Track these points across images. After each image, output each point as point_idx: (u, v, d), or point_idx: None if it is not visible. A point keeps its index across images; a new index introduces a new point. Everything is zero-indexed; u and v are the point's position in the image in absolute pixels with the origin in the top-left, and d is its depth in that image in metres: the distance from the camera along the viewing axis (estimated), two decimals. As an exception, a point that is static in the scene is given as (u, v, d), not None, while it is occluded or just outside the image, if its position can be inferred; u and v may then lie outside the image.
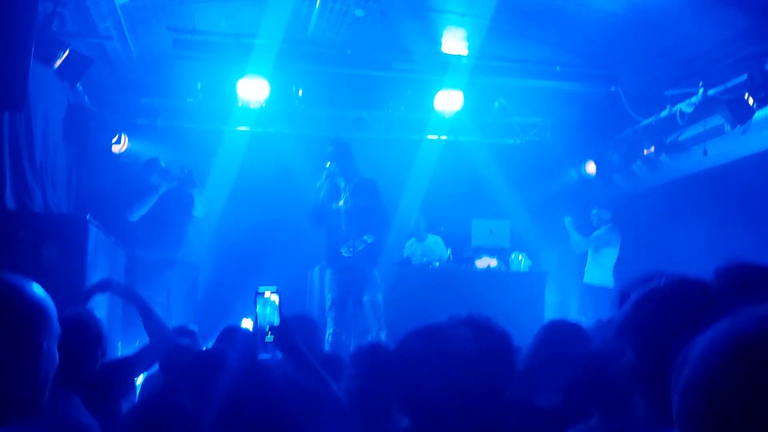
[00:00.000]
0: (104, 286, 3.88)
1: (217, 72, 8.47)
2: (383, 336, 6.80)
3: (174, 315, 7.04)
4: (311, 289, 8.35)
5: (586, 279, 8.76)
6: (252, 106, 8.61)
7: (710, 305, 1.54)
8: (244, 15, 7.94)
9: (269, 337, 2.37)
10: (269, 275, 7.99)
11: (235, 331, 3.74)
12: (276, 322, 2.36)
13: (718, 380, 0.90)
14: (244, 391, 2.43)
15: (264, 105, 8.60)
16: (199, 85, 8.68)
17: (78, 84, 7.17)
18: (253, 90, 8.29)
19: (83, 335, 2.96)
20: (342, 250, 6.88)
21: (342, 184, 7.05)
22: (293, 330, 2.43)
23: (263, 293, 2.38)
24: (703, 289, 1.59)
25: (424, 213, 8.88)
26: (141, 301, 3.53)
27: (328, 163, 7.04)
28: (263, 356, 2.39)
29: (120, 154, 8.52)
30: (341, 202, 7.04)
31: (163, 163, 7.81)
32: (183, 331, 4.41)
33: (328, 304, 6.93)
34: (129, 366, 3.37)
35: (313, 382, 2.33)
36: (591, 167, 9.30)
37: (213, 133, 8.98)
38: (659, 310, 1.55)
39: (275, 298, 2.38)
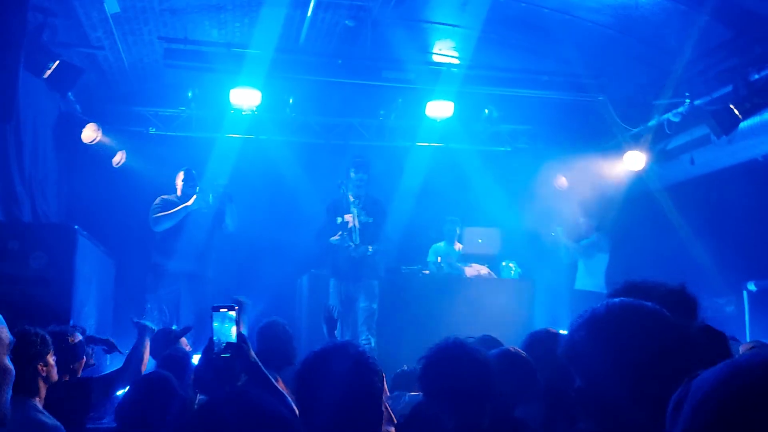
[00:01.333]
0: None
1: (209, 81, 8.52)
2: (373, 343, 6.87)
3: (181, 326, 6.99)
4: (300, 296, 8.39)
5: (579, 285, 8.79)
6: (244, 113, 8.66)
7: (654, 329, 1.55)
8: (236, 25, 7.99)
9: (225, 354, 2.38)
10: (258, 283, 8.04)
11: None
12: (232, 338, 2.38)
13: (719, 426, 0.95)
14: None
15: (256, 112, 8.65)
16: (190, 94, 8.71)
17: (69, 93, 7.21)
18: (245, 98, 8.33)
19: (22, 349, 3.06)
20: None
21: (352, 198, 7.16)
22: (249, 346, 2.45)
23: (219, 309, 2.39)
24: (646, 312, 1.60)
25: (458, 219, 8.92)
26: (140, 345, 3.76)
27: (352, 172, 7.19)
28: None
29: (118, 169, 8.54)
30: (353, 216, 7.17)
31: (194, 172, 7.76)
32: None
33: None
34: (99, 385, 3.48)
35: (267, 399, 2.35)
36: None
37: (205, 140, 9.02)
38: (599, 337, 1.57)
39: (233, 313, 2.39)
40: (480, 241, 8.66)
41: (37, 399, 3.08)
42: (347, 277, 7.15)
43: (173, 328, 5.34)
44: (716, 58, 7.15)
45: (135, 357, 3.99)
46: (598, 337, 1.56)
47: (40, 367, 3.10)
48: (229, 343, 2.36)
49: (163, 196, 7.55)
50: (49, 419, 3.00)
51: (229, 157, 8.81)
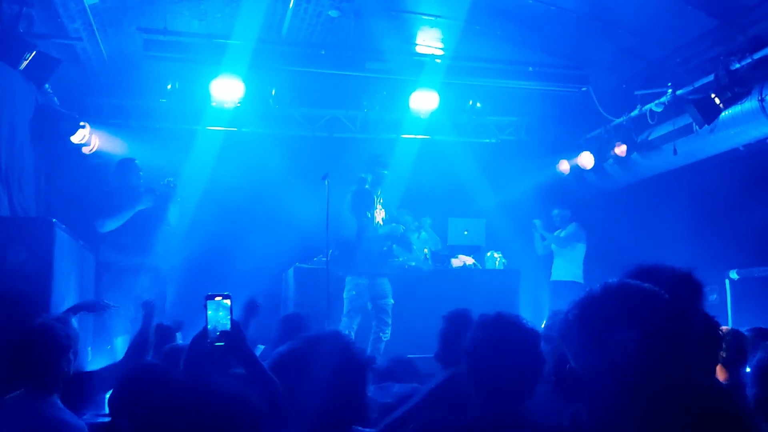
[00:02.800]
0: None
1: (189, 72, 8.42)
2: (386, 335, 6.92)
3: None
4: (286, 289, 8.35)
5: (556, 276, 8.83)
6: (226, 106, 8.58)
7: (650, 311, 1.54)
8: (217, 16, 7.91)
9: (220, 342, 2.37)
10: (243, 276, 7.98)
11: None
12: (227, 326, 2.37)
13: None
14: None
15: (238, 105, 8.58)
16: (169, 86, 8.61)
17: (46, 85, 7.09)
18: (227, 90, 8.24)
19: (51, 342, 2.98)
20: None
21: (376, 197, 7.25)
22: (244, 335, 2.44)
23: (214, 297, 2.38)
24: (639, 293, 1.58)
25: (406, 209, 8.89)
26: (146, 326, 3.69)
27: (378, 169, 7.28)
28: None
29: (90, 155, 8.43)
30: (379, 213, 7.23)
31: (137, 162, 7.65)
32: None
33: (346, 308, 7.00)
34: (91, 381, 3.40)
35: (260, 389, 2.32)
36: (564, 165, 9.36)
37: (186, 132, 8.94)
38: (594, 319, 1.55)
39: (227, 302, 2.39)
40: (466, 232, 8.64)
41: (57, 396, 2.94)
42: (370, 273, 7.09)
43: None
44: (699, 48, 7.17)
45: (141, 341, 3.84)
46: (590, 316, 1.55)
47: (64, 362, 2.98)
48: (223, 332, 2.36)
49: (104, 191, 7.32)
50: (72, 418, 2.89)
51: (211, 149, 8.76)
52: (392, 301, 7.08)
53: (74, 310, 4.08)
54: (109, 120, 8.86)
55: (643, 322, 1.52)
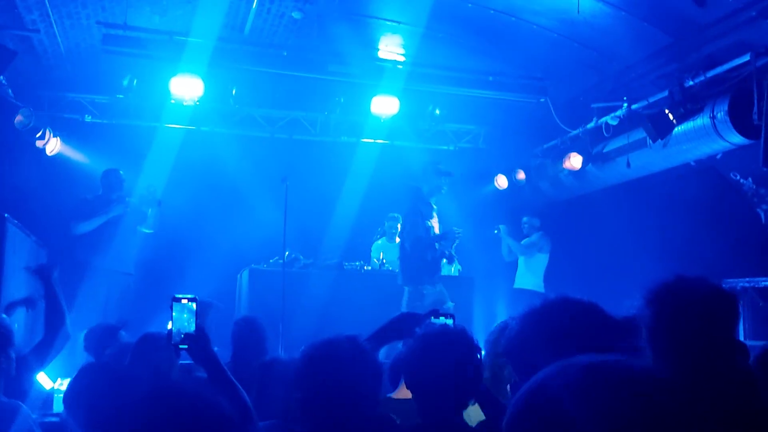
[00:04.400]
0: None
1: (149, 68, 8.32)
2: None
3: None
4: (240, 290, 8.30)
5: (518, 284, 8.91)
6: (185, 104, 8.50)
7: (590, 326, 1.57)
8: (178, 12, 7.82)
9: (183, 345, 2.35)
10: (199, 277, 7.92)
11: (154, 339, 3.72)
12: (191, 329, 2.35)
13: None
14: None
15: (198, 103, 8.51)
16: (126, 82, 8.48)
17: (1, 77, 6.95)
18: (186, 88, 8.18)
19: None
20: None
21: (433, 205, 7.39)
22: (208, 338, 2.43)
23: (180, 299, 2.36)
24: (582, 309, 1.62)
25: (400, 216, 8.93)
26: (52, 292, 3.56)
27: (437, 178, 7.44)
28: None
29: (52, 157, 8.31)
30: (435, 222, 7.41)
31: (121, 173, 7.71)
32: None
33: None
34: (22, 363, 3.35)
35: (221, 393, 2.31)
36: (521, 174, 9.48)
37: (144, 130, 8.83)
38: (534, 334, 1.58)
39: (192, 305, 2.37)
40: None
41: None
42: (432, 281, 7.24)
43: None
44: (654, 64, 7.34)
45: (56, 313, 3.74)
46: (531, 330, 1.58)
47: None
48: (188, 334, 2.33)
49: (84, 197, 7.53)
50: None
51: (169, 148, 8.66)
52: (452, 304, 7.16)
53: (8, 307, 4.03)
54: (65, 115, 8.71)
55: (579, 335, 1.56)
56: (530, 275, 8.78)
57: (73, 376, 3.09)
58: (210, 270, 8.00)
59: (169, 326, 2.41)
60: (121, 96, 8.71)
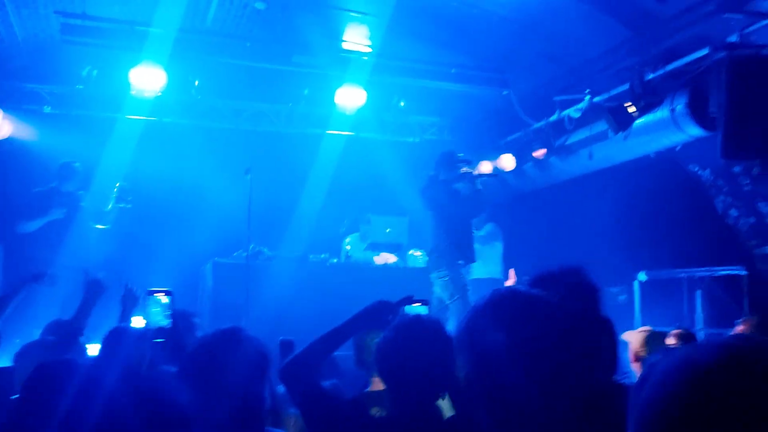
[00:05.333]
0: None
1: (109, 59, 8.19)
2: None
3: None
4: (204, 284, 8.24)
5: (476, 275, 8.98)
6: (147, 95, 8.39)
7: (541, 318, 1.58)
8: (139, 2, 7.71)
9: (158, 338, 2.37)
10: (161, 271, 7.85)
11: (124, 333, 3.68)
12: (165, 323, 2.37)
13: (672, 405, 0.97)
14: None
15: (160, 94, 8.40)
16: (85, 72, 8.34)
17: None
18: (148, 79, 8.07)
19: None
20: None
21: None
22: (181, 332, 2.44)
23: (154, 293, 2.38)
24: (532, 300, 1.63)
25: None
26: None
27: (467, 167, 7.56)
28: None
29: (8, 148, 8.15)
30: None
31: (76, 165, 7.64)
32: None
33: (455, 304, 7.10)
34: None
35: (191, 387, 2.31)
36: (486, 167, 9.49)
37: (104, 121, 8.69)
38: (484, 327, 1.59)
39: (166, 299, 2.39)
40: (388, 230, 8.70)
41: None
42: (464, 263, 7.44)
43: None
44: (615, 57, 7.42)
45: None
46: (481, 324, 1.59)
47: None
48: (161, 328, 2.35)
49: (34, 192, 7.52)
50: None
51: (130, 139, 8.54)
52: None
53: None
54: (22, 105, 8.54)
55: (516, 327, 1.57)
56: (486, 265, 8.86)
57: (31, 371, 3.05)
58: (173, 263, 7.92)
59: (134, 321, 2.42)
60: (80, 87, 8.56)
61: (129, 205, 7.91)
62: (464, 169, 7.49)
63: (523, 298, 1.63)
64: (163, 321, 2.37)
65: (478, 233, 8.94)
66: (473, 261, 7.53)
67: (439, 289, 7.27)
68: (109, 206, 7.85)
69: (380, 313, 2.81)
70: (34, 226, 7.40)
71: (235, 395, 2.19)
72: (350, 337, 2.90)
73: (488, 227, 8.97)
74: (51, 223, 7.42)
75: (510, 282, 4.40)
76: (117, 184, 7.91)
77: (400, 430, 2.32)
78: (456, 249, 7.33)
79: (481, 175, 7.72)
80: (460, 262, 7.40)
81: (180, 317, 4.29)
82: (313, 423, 2.48)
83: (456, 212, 7.39)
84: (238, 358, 2.24)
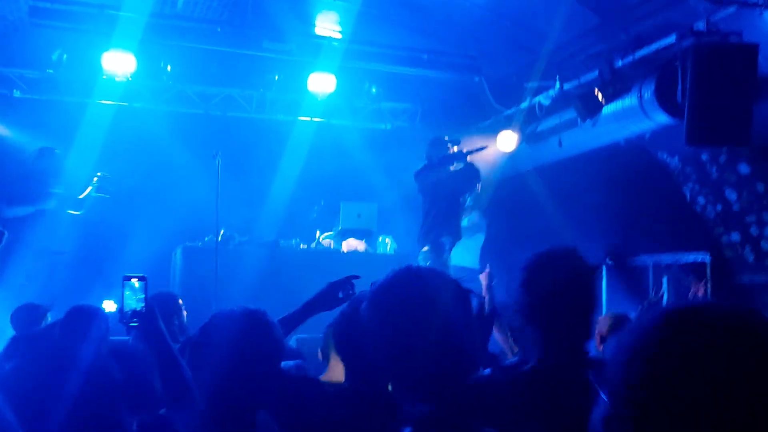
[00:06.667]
0: None
1: (79, 42, 8.12)
2: None
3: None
4: (174, 269, 8.21)
5: (455, 261, 9.01)
6: (117, 80, 8.33)
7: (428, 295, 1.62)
8: (109, -15, 7.66)
9: (134, 323, 2.41)
10: (132, 255, 7.82)
11: (86, 313, 3.68)
12: (141, 308, 2.41)
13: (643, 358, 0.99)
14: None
15: (130, 79, 8.34)
16: (55, 56, 8.27)
17: None
18: (118, 63, 8.01)
19: None
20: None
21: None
22: (157, 316, 2.47)
23: (130, 278, 2.42)
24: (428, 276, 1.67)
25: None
26: None
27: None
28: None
29: None
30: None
31: (58, 151, 7.66)
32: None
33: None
34: None
35: (166, 373, 2.34)
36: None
37: (75, 106, 8.62)
38: (387, 304, 1.64)
39: (141, 284, 2.43)
40: (358, 216, 8.72)
41: None
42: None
43: None
44: (584, 44, 7.48)
45: None
46: (384, 302, 1.63)
47: None
48: (136, 312, 2.39)
49: (16, 175, 7.54)
50: None
51: (101, 124, 8.49)
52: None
53: None
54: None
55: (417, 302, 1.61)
56: (468, 253, 8.89)
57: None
58: (143, 248, 7.89)
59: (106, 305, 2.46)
60: (50, 71, 8.48)
61: (107, 195, 7.86)
62: (454, 149, 7.55)
63: (423, 274, 1.67)
64: (137, 305, 2.41)
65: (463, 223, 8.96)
66: (459, 238, 7.59)
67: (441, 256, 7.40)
68: (86, 194, 7.81)
69: (331, 293, 2.86)
70: (22, 212, 7.34)
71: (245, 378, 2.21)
72: (304, 321, 2.96)
73: (473, 216, 8.99)
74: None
75: (483, 276, 4.44)
76: (98, 174, 7.85)
77: (353, 404, 2.35)
78: (442, 225, 7.42)
79: (470, 151, 7.79)
80: (443, 239, 7.47)
81: (165, 300, 4.33)
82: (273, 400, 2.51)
83: (446, 190, 7.47)
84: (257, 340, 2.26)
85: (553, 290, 2.27)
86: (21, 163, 7.74)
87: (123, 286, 2.42)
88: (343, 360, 2.46)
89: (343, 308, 2.53)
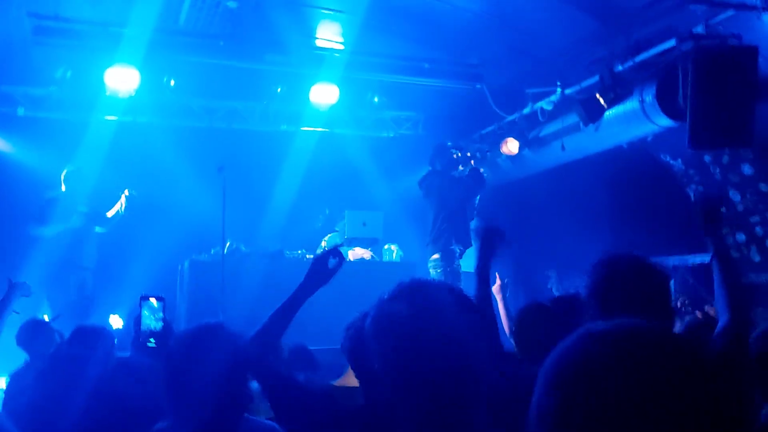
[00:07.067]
0: None
1: (82, 60, 8.17)
2: None
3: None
4: (181, 282, 8.25)
5: (466, 268, 9.01)
6: (121, 96, 8.37)
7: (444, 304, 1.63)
8: (111, 3, 7.70)
9: (151, 342, 2.42)
10: (139, 270, 7.86)
11: (90, 333, 3.70)
12: (159, 327, 2.42)
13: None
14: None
15: (134, 94, 8.39)
16: (59, 74, 8.32)
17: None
18: (122, 79, 8.06)
19: None
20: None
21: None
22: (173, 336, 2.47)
23: (148, 298, 2.44)
24: (434, 288, 1.67)
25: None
26: None
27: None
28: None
29: None
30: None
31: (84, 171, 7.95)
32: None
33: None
34: None
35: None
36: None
37: (78, 122, 8.66)
38: (393, 318, 1.63)
39: (159, 304, 2.44)
40: (364, 224, 8.75)
41: None
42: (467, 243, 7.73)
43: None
44: (585, 49, 7.49)
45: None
46: (389, 315, 1.63)
47: None
48: (154, 332, 2.40)
49: (46, 198, 7.73)
50: None
51: (104, 140, 8.53)
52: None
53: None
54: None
55: (422, 315, 1.61)
56: (469, 259, 8.91)
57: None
58: (150, 262, 7.93)
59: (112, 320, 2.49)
60: (54, 88, 8.53)
61: (136, 212, 8.08)
62: (457, 154, 7.64)
63: (426, 287, 1.66)
64: (155, 325, 2.42)
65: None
66: (469, 246, 7.64)
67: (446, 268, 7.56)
68: (114, 211, 8.02)
69: (320, 266, 2.83)
70: (50, 231, 7.58)
71: (216, 389, 2.22)
72: (299, 306, 2.92)
73: (474, 223, 9.00)
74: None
75: (496, 290, 4.41)
76: (126, 192, 8.04)
77: (369, 422, 2.34)
78: (451, 233, 7.49)
79: (473, 155, 7.85)
80: (453, 247, 7.53)
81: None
82: (281, 412, 2.49)
83: (453, 197, 7.56)
84: (218, 353, 2.26)
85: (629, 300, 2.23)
86: (51, 185, 7.93)
87: (141, 306, 2.43)
88: (357, 375, 2.45)
89: (353, 321, 2.51)
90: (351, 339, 2.51)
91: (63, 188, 7.90)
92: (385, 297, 1.67)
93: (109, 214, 8.04)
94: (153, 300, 2.45)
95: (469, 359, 1.57)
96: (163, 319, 2.43)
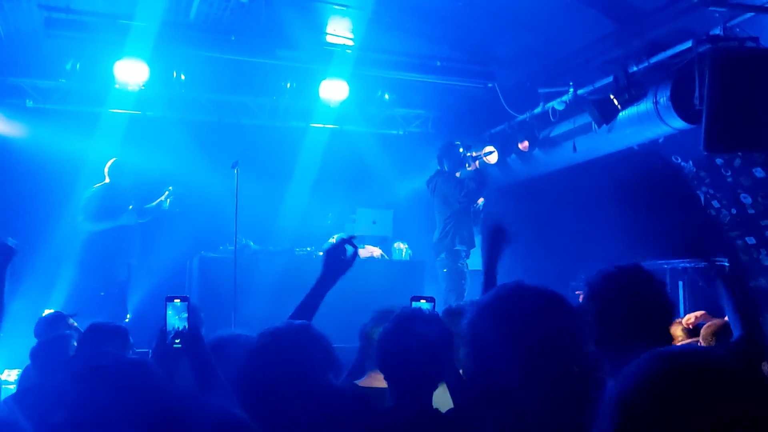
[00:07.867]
0: None
1: (92, 52, 8.14)
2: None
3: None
4: (190, 278, 8.22)
5: (473, 266, 8.99)
6: (130, 89, 8.34)
7: (546, 311, 1.61)
8: (121, -5, 7.66)
9: (177, 344, 2.40)
10: (148, 265, 7.86)
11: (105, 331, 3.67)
12: (184, 328, 2.40)
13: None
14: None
15: (143, 88, 8.36)
16: (69, 66, 8.29)
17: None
18: (131, 72, 8.03)
19: None
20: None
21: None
22: (201, 337, 2.46)
23: (173, 299, 2.42)
24: (538, 294, 1.66)
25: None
26: None
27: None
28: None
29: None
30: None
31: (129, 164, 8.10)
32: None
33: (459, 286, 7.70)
34: None
35: (206, 390, 2.33)
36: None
37: (88, 115, 8.64)
38: (487, 323, 1.61)
39: (183, 304, 2.43)
40: (374, 222, 8.73)
41: None
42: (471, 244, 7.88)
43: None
44: (599, 49, 7.46)
45: None
46: (488, 319, 1.61)
47: None
48: (180, 333, 2.38)
49: (94, 190, 7.88)
50: None
51: (114, 133, 8.52)
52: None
53: None
54: (5, 100, 8.47)
55: (542, 323, 1.60)
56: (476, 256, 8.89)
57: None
58: (159, 257, 7.92)
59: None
60: (64, 80, 8.51)
61: (177, 209, 8.13)
62: (465, 154, 7.67)
63: (529, 294, 1.66)
64: (180, 324, 2.41)
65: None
66: (473, 246, 7.68)
67: (440, 278, 7.60)
68: (155, 204, 8.13)
69: (334, 259, 2.88)
70: (101, 226, 7.72)
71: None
72: (323, 298, 2.94)
73: (480, 223, 8.99)
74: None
75: None
76: (170, 188, 8.15)
77: (400, 423, 2.33)
78: (455, 233, 7.52)
79: (479, 156, 7.86)
80: (458, 248, 7.56)
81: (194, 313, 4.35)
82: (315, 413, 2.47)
83: (458, 197, 7.65)
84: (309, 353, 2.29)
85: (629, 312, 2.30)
86: (112, 185, 8.02)
87: (165, 307, 2.41)
88: (387, 378, 2.43)
89: (385, 326, 2.48)
90: (383, 342, 2.46)
91: (107, 180, 7.99)
92: (494, 295, 1.65)
93: (150, 205, 8.11)
94: (177, 300, 2.43)
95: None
96: (188, 319, 2.41)
